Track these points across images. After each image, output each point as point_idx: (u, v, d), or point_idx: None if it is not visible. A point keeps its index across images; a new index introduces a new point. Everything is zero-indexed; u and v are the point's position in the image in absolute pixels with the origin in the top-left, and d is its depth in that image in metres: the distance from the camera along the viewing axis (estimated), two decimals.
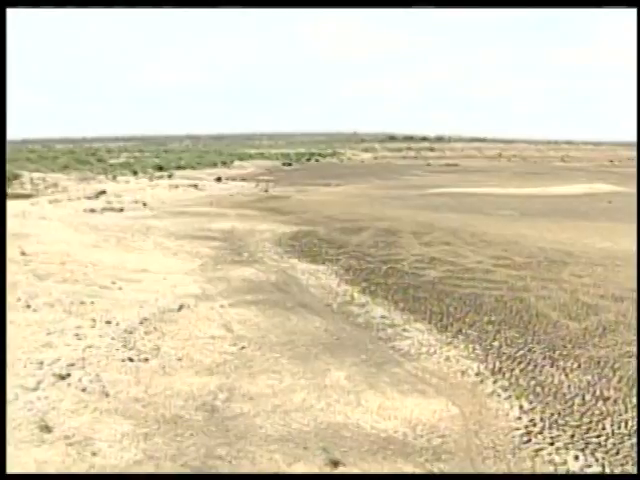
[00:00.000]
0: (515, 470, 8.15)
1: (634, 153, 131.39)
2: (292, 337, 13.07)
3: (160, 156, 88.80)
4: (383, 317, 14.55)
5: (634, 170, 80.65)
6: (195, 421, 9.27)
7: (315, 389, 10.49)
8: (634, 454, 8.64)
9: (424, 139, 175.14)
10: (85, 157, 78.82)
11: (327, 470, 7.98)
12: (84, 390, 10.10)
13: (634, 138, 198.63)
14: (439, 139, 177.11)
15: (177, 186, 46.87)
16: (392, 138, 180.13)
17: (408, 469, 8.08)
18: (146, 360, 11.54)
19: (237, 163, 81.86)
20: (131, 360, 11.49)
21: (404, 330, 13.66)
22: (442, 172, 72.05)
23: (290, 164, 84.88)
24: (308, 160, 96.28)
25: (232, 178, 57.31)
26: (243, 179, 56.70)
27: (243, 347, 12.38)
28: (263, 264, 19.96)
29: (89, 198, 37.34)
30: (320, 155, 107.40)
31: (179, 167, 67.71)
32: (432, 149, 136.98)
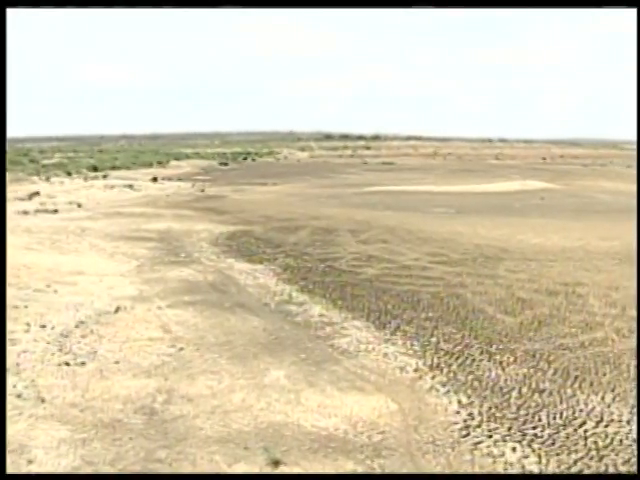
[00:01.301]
0: (455, 463, 8.25)
1: (565, 151, 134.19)
2: (230, 337, 13.02)
3: (95, 156, 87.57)
4: (321, 315, 14.60)
5: (565, 167, 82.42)
6: (134, 424, 9.17)
7: (255, 389, 10.47)
8: (569, 443, 8.82)
9: (360, 138, 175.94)
10: (17, 158, 77.22)
11: (268, 470, 7.97)
12: (19, 396, 9.91)
13: (565, 136, 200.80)
14: (375, 137, 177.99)
15: (112, 187, 46.28)
16: (328, 137, 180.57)
17: (349, 466, 8.12)
18: (83, 364, 11.37)
19: (173, 163, 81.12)
20: (67, 364, 11.32)
21: (342, 328, 13.72)
22: (378, 170, 72.49)
23: (226, 164, 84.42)
24: (244, 159, 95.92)
25: (168, 178, 56.77)
26: (179, 179, 56.22)
27: (181, 348, 12.29)
28: (200, 264, 19.84)
29: (22, 200, 36.58)
30: (256, 154, 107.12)
31: (114, 167, 66.81)
32: (368, 147, 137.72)
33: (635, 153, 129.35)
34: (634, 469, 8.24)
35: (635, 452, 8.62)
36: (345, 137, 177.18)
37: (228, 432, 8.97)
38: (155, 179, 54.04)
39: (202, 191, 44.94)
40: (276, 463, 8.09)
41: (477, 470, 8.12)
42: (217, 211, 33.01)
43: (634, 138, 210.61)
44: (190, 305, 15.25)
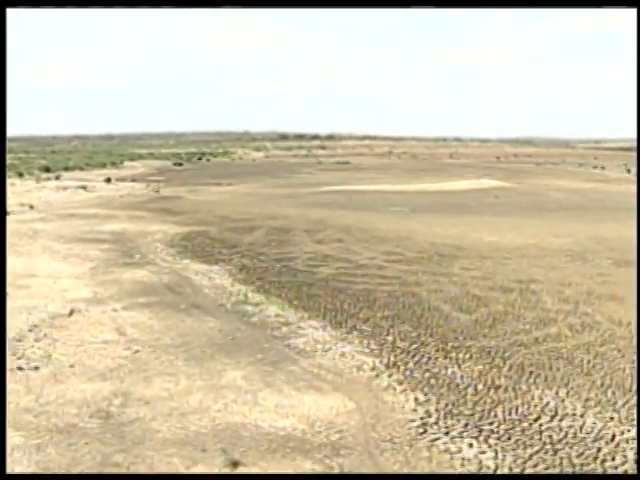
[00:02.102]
0: (412, 460, 8.29)
1: (519, 150, 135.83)
2: (187, 339, 12.95)
3: (47, 157, 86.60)
4: (278, 315, 14.58)
5: (519, 166, 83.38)
6: (90, 429, 9.07)
7: (212, 390, 10.43)
8: (525, 438, 8.92)
9: (315, 137, 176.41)
10: None
11: (226, 471, 7.94)
12: None
13: (518, 135, 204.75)
14: (330, 137, 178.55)
15: (65, 188, 45.76)
16: (283, 137, 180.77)
17: (307, 466, 8.12)
18: (36, 368, 11.22)
19: (127, 163, 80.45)
20: (21, 369, 11.16)
21: (299, 328, 13.72)
22: (333, 170, 72.62)
23: (181, 164, 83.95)
24: (199, 160, 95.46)
25: (122, 179, 56.30)
26: (133, 180, 55.78)
27: (137, 351, 12.19)
28: (155, 266, 19.69)
29: None
30: (211, 154, 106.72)
31: (67, 168, 66.08)
32: (323, 147, 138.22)
33: (586, 152, 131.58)
34: (588, 461, 8.36)
35: (589, 445, 8.76)
36: (300, 137, 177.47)
37: (186, 434, 8.92)
38: (109, 180, 53.54)
39: (157, 192, 44.63)
40: (234, 464, 8.06)
41: (434, 466, 8.17)
42: (172, 212, 32.81)
43: (585, 137, 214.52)
44: (145, 307, 15.14)
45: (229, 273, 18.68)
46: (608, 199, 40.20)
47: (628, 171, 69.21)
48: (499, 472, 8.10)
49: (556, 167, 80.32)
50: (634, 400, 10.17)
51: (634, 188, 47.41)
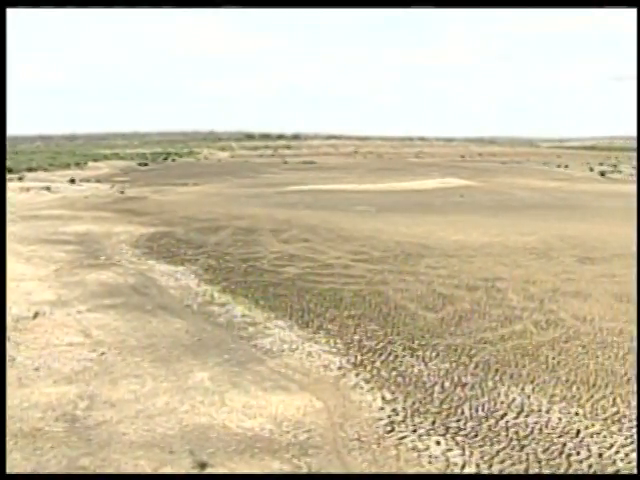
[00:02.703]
0: (380, 459, 8.31)
1: (483, 149, 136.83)
2: (153, 340, 12.87)
3: (10, 157, 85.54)
4: (244, 316, 14.55)
5: (484, 164, 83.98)
6: (55, 432, 8.98)
7: (178, 391, 10.37)
8: (491, 435, 8.98)
9: (281, 137, 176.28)
10: None
11: (194, 472, 7.91)
12: None
13: (483, 134, 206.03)
14: (296, 137, 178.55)
15: (28, 189, 45.23)
16: (249, 136, 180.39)
17: (275, 466, 8.11)
18: None
19: (91, 164, 79.75)
20: None
21: (265, 328, 13.70)
22: (299, 170, 72.59)
23: (146, 164, 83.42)
24: (165, 160, 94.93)
25: (86, 179, 55.79)
26: (98, 180, 55.32)
27: (103, 353, 12.09)
28: (121, 267, 19.55)
29: None
30: (177, 154, 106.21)
31: (30, 169, 65.36)
32: (289, 147, 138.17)
33: (550, 151, 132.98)
34: (553, 456, 8.44)
35: (553, 440, 8.85)
36: (266, 137, 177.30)
37: (152, 436, 8.87)
38: (73, 181, 53.07)
39: (122, 192, 44.30)
40: (202, 465, 8.03)
41: (402, 464, 8.21)
42: (137, 212, 32.59)
43: (549, 136, 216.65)
44: (111, 308, 15.03)
45: (195, 274, 18.60)
46: (572, 197, 40.64)
47: (591, 169, 70.11)
48: (467, 469, 8.16)
49: (520, 166, 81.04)
50: (598, 395, 10.30)
51: (598, 187, 48.06)
